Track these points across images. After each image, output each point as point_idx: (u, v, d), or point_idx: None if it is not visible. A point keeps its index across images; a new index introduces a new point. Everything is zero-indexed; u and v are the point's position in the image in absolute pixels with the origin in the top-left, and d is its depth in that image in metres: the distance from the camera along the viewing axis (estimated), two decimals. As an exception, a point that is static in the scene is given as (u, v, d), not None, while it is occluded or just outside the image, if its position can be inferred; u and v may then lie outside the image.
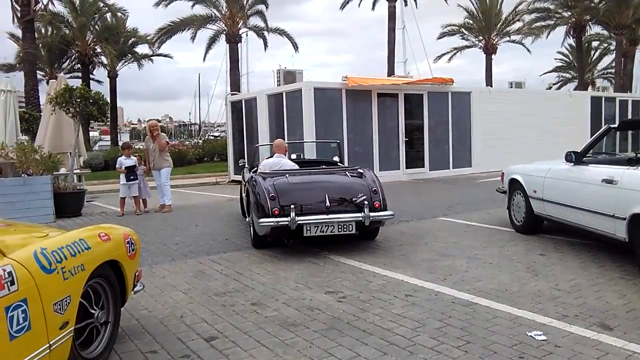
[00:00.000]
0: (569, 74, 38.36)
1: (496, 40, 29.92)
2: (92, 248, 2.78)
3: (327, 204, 5.12)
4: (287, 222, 4.93)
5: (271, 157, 6.83)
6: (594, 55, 36.35)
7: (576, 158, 5.23)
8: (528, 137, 14.93)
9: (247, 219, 6.00)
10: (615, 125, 5.19)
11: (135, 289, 3.30)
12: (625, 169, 4.48)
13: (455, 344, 3.01)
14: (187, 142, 32.11)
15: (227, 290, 4.23)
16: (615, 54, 27.59)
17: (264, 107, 13.33)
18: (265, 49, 26.76)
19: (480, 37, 30.07)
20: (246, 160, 8.26)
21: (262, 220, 5.02)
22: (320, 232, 5.04)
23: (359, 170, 5.85)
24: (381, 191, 5.36)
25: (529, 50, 31.70)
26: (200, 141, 30.10)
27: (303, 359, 2.88)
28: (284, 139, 12.67)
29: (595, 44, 35.30)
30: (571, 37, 29.89)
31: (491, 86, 22.12)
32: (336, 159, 7.68)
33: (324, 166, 7.06)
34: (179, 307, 3.84)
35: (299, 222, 4.95)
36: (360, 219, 5.06)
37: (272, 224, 4.99)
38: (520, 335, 3.11)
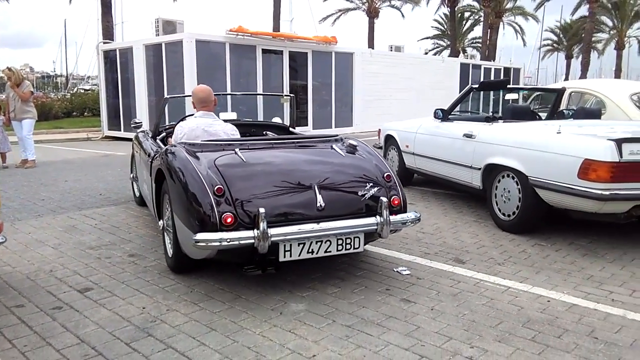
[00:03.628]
0: (443, 42, 40.92)
1: (379, 4, 30.81)
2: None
3: (320, 203, 2.98)
4: (251, 240, 2.76)
5: (190, 116, 4.19)
6: (465, 25, 39.09)
7: (443, 115, 5.71)
8: (406, 98, 15.84)
9: (159, 223, 3.61)
10: (476, 86, 5.71)
11: (-5, 242, 3.04)
12: (482, 125, 4.99)
13: (331, 282, 3.23)
14: (53, 95, 29.18)
15: (102, 243, 4.05)
16: (483, 25, 29.88)
17: (142, 58, 12.53)
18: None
19: (364, 0, 30.76)
20: (159, 124, 4.76)
21: (201, 236, 2.74)
22: (309, 252, 2.93)
23: (350, 141, 3.66)
24: (396, 177, 3.38)
25: (402, 15, 33.59)
26: (69, 94, 27.53)
27: (183, 303, 2.90)
28: (165, 95, 12.24)
29: (467, 14, 37.97)
30: (446, 7, 31.78)
31: (373, 49, 22.90)
32: (277, 120, 5.39)
33: (266, 132, 4.79)
34: (47, 261, 3.61)
35: (273, 238, 2.79)
36: (374, 227, 3.03)
37: (220, 243, 2.73)
38: (388, 271, 3.42)
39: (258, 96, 12.60)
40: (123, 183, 6.71)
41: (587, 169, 3.64)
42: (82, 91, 31.90)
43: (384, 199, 3.07)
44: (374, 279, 3.29)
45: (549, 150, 3.96)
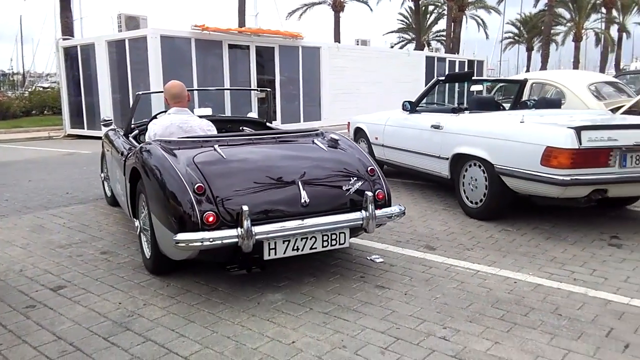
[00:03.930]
0: (409, 35, 41.39)
1: (344, -3, 30.95)
2: None
3: (304, 199, 2.93)
4: (234, 239, 2.69)
5: (162, 113, 4.16)
6: (429, 19, 39.62)
7: (411, 107, 5.82)
8: (373, 92, 15.99)
9: (135, 224, 3.50)
10: (443, 78, 5.85)
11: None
12: (449, 116, 5.12)
13: (307, 271, 3.28)
14: (11, 93, 28.17)
15: (72, 242, 3.99)
16: (447, 19, 30.37)
17: (104, 55, 12.27)
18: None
19: (329, -6, 30.85)
20: (132, 122, 4.71)
21: (182, 236, 2.66)
22: (294, 250, 2.88)
23: (331, 135, 3.63)
24: (379, 171, 3.35)
25: (370, 9, 33.91)
26: (27, 92, 26.63)
27: (160, 297, 2.91)
28: (129, 92, 12.00)
29: (431, 8, 38.51)
30: (410, 0, 32.14)
31: (339, 43, 22.98)
32: (253, 115, 5.36)
33: (242, 128, 4.79)
34: (16, 261, 3.54)
35: (257, 237, 2.74)
36: (360, 222, 3.00)
37: (202, 243, 2.65)
38: (362, 260, 3.49)
39: (226, 92, 12.52)
40: (90, 181, 6.59)
41: (549, 156, 3.79)
42: (41, 89, 30.93)
43: (369, 193, 3.03)
44: (349, 267, 3.36)
45: (513, 139, 4.11)
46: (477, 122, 4.70)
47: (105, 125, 4.98)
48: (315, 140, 3.49)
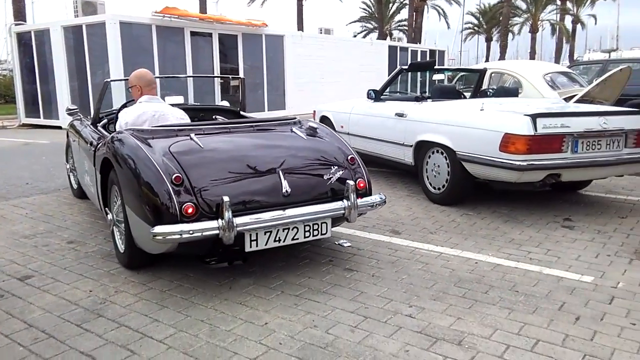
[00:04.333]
0: (371, 25, 41.62)
1: (306, -14, 30.80)
2: None
3: (286, 189, 2.88)
4: (215, 231, 2.62)
5: (132, 102, 3.92)
6: (392, 8, 39.92)
7: (375, 96, 5.94)
8: (337, 80, 16.09)
9: (108, 217, 3.32)
10: (406, 67, 5.97)
11: None
12: (412, 104, 5.25)
13: (277, 257, 3.34)
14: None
15: (36, 232, 3.93)
16: (409, 9, 30.67)
17: (60, 41, 11.88)
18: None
19: (292, -18, 30.64)
20: (100, 110, 4.40)
21: (160, 229, 2.57)
22: (276, 241, 2.82)
23: (310, 123, 3.60)
24: (359, 160, 3.32)
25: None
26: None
27: (131, 284, 2.92)
28: (87, 80, 11.67)
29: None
30: (372, -11, 32.28)
31: (303, 31, 22.92)
32: (225, 103, 5.31)
33: (215, 117, 4.61)
34: (-21, 252, 3.48)
35: (239, 228, 2.67)
36: (342, 211, 2.97)
37: (181, 235, 2.57)
38: (331, 244, 3.59)
39: (188, 80, 12.35)
40: (51, 171, 6.44)
41: (507, 142, 3.96)
42: (-8, 77, 29.53)
43: (351, 182, 2.99)
44: (318, 252, 3.45)
45: (473, 127, 4.27)
46: (439, 110, 4.84)
47: (70, 115, 4.76)
48: (294, 129, 3.45)
